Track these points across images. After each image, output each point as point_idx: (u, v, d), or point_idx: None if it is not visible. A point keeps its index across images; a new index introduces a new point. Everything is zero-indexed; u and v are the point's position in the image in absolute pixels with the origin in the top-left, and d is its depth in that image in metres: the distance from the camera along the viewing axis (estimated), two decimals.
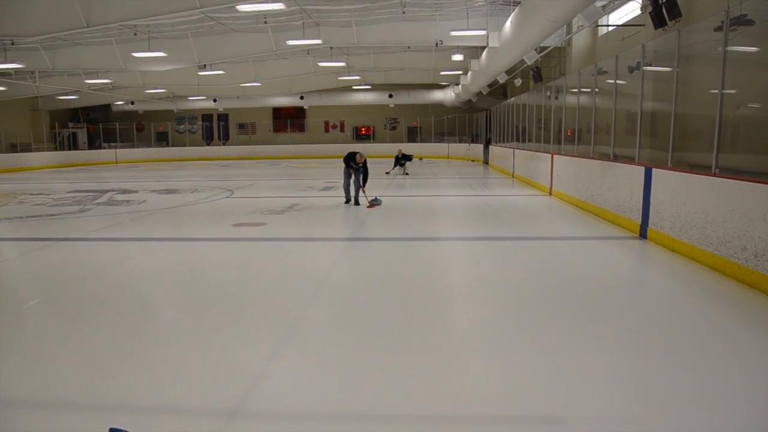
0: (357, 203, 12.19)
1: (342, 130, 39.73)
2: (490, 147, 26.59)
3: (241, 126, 40.36)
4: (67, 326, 4.87)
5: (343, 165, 12.21)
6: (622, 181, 9.04)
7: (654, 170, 7.87)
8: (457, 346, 4.34)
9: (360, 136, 39.43)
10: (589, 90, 11.78)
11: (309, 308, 5.25)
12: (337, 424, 3.16)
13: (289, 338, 4.45)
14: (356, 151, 12.13)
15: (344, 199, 12.48)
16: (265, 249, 7.85)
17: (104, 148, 37.01)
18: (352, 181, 12.24)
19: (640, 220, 8.16)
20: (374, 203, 12.03)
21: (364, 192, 12.07)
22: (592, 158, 10.95)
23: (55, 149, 34.11)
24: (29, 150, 31.15)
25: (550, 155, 14.06)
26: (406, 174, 20.58)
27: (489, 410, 3.26)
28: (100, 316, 5.13)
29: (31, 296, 6.05)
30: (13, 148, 30.65)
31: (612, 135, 9.98)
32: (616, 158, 9.77)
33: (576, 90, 12.62)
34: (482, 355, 4.16)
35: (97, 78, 24.56)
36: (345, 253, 7.72)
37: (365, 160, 12.06)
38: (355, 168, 12.01)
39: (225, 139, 40.69)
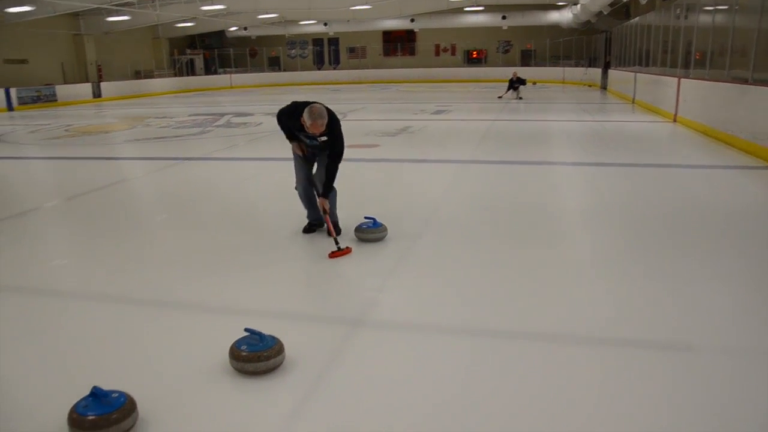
0: (312, 228, 5.06)
1: (453, 53, 38.84)
2: (609, 71, 25.22)
3: (351, 50, 40.29)
4: (194, 240, 5.16)
5: (284, 135, 4.94)
6: (761, 107, 8.34)
7: None
8: (574, 270, 4.25)
9: (471, 59, 38.44)
10: (726, 6, 10.82)
11: (425, 228, 5.28)
12: (450, 336, 3.22)
13: (406, 256, 4.51)
14: (303, 101, 4.66)
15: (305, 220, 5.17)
16: (379, 170, 7.93)
17: (220, 73, 38.19)
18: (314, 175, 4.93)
19: None
20: (369, 234, 4.74)
21: (324, 210, 4.66)
22: (726, 82, 10.15)
23: (175, 75, 35.58)
24: (151, 76, 32.71)
25: (676, 79, 13.16)
26: (520, 98, 19.95)
27: (610, 333, 3.19)
28: (224, 231, 5.39)
29: (159, 211, 6.45)
30: (138, 75, 32.36)
31: (752, 57, 9.17)
32: (754, 82, 9.01)
33: (711, 7, 11.62)
34: (600, 279, 4.05)
35: (212, 4, 25.05)
36: (460, 176, 7.67)
37: (333, 123, 4.54)
38: (312, 145, 4.72)
39: (335, 63, 40.86)
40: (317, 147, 4.73)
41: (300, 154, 4.87)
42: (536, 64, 35.12)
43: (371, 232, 4.74)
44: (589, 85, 28.21)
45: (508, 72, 22.51)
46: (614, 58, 24.52)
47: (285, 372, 2.80)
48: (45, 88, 23.52)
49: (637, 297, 3.69)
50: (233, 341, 2.85)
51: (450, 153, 9.52)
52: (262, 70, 39.51)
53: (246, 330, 2.88)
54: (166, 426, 2.42)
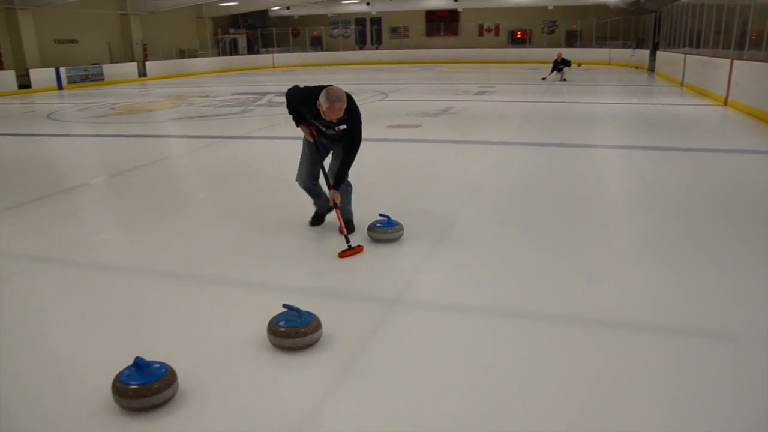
0: (319, 219, 4.79)
1: (497, 34, 38.25)
2: (657, 53, 24.56)
3: (394, 30, 40.01)
4: (234, 216, 5.23)
5: (293, 122, 4.53)
6: None
7: None
8: (616, 255, 4.18)
9: (515, 40, 37.81)
10: None
11: (464, 209, 5.25)
12: (488, 317, 3.21)
13: (443, 237, 4.49)
14: (318, 85, 4.14)
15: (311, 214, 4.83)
16: (420, 150, 7.88)
17: (262, 53, 38.37)
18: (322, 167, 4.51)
19: None
20: (380, 234, 4.30)
21: (335, 204, 4.26)
22: None
23: (218, 54, 35.87)
24: (195, 56, 33.08)
25: (728, 60, 12.75)
26: (564, 80, 19.60)
27: (654, 319, 3.13)
28: (264, 208, 5.46)
29: (201, 189, 6.54)
30: (182, 54, 32.77)
31: None
32: None
33: None
34: (644, 265, 3.97)
35: None
36: (501, 157, 7.58)
37: (352, 109, 4.10)
38: (329, 135, 4.27)
39: (378, 43, 40.66)
40: (333, 138, 4.22)
41: (310, 139, 4.35)
42: (582, 45, 34.32)
43: (383, 231, 4.28)
44: (637, 67, 27.54)
45: (553, 53, 22.10)
46: (663, 39, 23.87)
47: (322, 348, 2.82)
48: (93, 67, 24.02)
49: (679, 284, 3.61)
50: (271, 317, 2.88)
51: (491, 134, 9.42)
52: (305, 50, 39.56)
53: (284, 306, 2.90)
54: (205, 397, 2.47)
